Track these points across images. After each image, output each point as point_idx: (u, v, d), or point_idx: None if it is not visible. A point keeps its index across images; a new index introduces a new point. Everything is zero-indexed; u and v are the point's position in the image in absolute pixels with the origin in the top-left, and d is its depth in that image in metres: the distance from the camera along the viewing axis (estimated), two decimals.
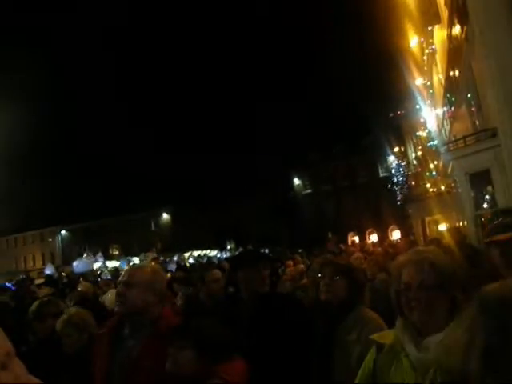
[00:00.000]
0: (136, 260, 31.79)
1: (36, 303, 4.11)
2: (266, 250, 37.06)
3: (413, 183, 26.54)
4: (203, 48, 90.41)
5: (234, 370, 2.27)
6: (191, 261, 32.03)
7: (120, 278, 2.70)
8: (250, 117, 73.22)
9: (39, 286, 11.05)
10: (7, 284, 14.93)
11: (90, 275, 18.21)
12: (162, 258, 27.04)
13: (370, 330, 2.39)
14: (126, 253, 38.99)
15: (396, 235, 36.74)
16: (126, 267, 22.57)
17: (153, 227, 55.07)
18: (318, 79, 68.76)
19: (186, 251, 38.60)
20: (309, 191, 53.95)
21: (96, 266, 24.38)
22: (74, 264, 21.93)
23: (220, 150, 71.95)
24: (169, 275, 13.05)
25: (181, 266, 17.21)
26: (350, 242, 32.23)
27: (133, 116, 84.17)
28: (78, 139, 74.46)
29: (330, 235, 26.60)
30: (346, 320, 2.77)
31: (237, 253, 34.30)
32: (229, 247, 41.31)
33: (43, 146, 71.37)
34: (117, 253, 47.62)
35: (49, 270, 22.15)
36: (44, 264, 50.14)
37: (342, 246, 19.58)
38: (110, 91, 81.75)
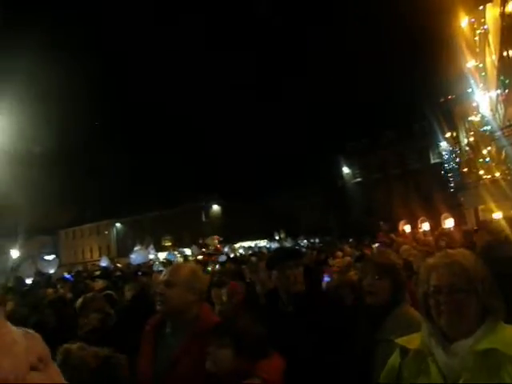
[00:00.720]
0: (188, 251, 32.39)
1: (80, 299, 4.31)
2: (316, 240, 36.99)
3: (465, 170, 25.72)
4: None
5: (271, 368, 2.30)
6: (241, 251, 32.33)
7: (161, 277, 2.79)
8: (298, 105, 72.85)
9: (93, 278, 11.49)
10: (66, 275, 15.62)
11: (145, 267, 18.69)
12: (212, 248, 27.43)
13: (414, 331, 2.36)
14: (177, 244, 39.75)
15: (449, 223, 35.72)
16: (174, 259, 23.10)
17: (203, 218, 55.83)
18: (366, 64, 67.47)
19: (236, 242, 39.00)
20: (358, 180, 53.20)
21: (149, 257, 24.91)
22: (132, 256, 22.53)
23: (269, 140, 72.03)
24: (217, 267, 13.32)
25: (231, 257, 17.41)
26: (400, 231, 31.57)
27: (180, 106, 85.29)
28: (130, 134, 76.11)
29: (382, 225, 26.16)
30: (388, 319, 2.73)
31: (286, 243, 34.41)
32: (278, 237, 41.34)
33: (97, 142, 73.57)
34: (169, 244, 48.67)
35: (104, 263, 22.83)
36: (100, 256, 51.92)
37: (392, 235, 19.24)
38: (147, 85, 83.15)
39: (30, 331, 1.43)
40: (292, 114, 79.15)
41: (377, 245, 14.02)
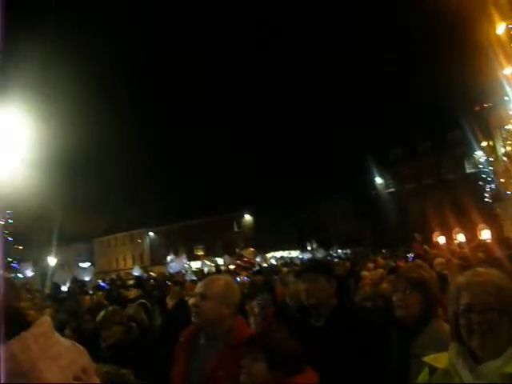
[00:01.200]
0: (220, 261, 32.56)
1: (101, 313, 4.45)
2: (348, 251, 36.70)
3: (502, 180, 25.12)
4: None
5: (306, 382, 2.29)
6: (273, 261, 32.27)
7: (196, 289, 2.85)
8: (331, 115, 72.62)
9: (127, 287, 11.69)
10: (101, 283, 15.95)
11: (177, 276, 18.89)
12: (246, 259, 27.45)
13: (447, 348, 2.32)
14: (209, 254, 39.98)
15: (486, 235, 34.85)
16: (205, 268, 23.25)
17: (235, 228, 56.02)
18: (399, 74, 66.82)
19: (268, 252, 38.97)
20: (392, 190, 52.59)
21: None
22: (172, 264, 22.89)
23: (302, 150, 71.97)
24: (245, 278, 13.34)
25: (260, 269, 17.42)
26: (434, 243, 30.98)
27: (211, 118, 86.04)
28: (160, 146, 77.15)
29: (416, 236, 25.74)
30: (422, 335, 2.69)
31: (317, 254, 34.22)
32: (310, 248, 41.15)
33: (130, 153, 74.93)
34: (201, 253, 49.00)
35: (136, 272, 23.20)
36: (134, 264, 52.68)
37: (426, 247, 18.93)
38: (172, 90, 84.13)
39: (77, 344, 1.50)
40: (325, 124, 78.99)
41: (411, 257, 13.84)
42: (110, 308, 4.81)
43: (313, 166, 65.84)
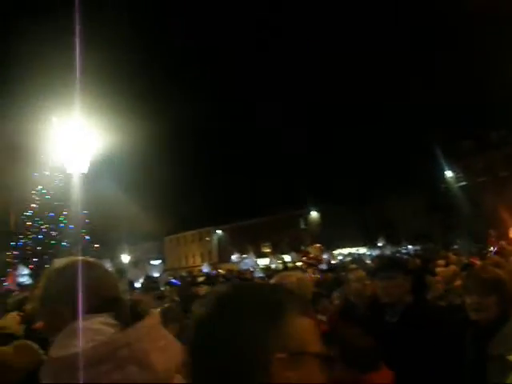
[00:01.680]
0: (287, 258, 32.65)
1: (157, 310, 4.60)
2: (417, 248, 35.70)
3: None
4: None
5: (381, 381, 2.27)
6: (340, 258, 31.95)
7: None
8: (396, 108, 70.84)
9: (197, 284, 12.01)
10: (173, 280, 16.45)
11: (246, 273, 19.20)
12: (312, 255, 27.42)
13: None
14: (276, 251, 40.17)
15: None
16: (273, 265, 23.47)
17: (302, 225, 55.97)
18: (468, 62, 64.11)
19: (335, 249, 38.64)
20: (463, 183, 50.60)
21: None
22: (246, 261, 23.37)
23: (367, 145, 70.69)
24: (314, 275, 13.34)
25: (329, 266, 17.35)
26: (510, 238, 29.58)
27: (285, 114, 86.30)
28: (230, 141, 78.16)
29: (491, 232, 24.70)
30: (500, 334, 2.62)
31: (386, 250, 33.53)
32: (379, 244, 40.33)
33: (198, 152, 76.63)
34: (268, 251, 49.32)
35: (206, 269, 23.74)
36: (202, 261, 53.79)
37: (503, 242, 18.14)
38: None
39: (176, 339, 1.59)
40: (391, 117, 77.15)
41: (493, 251, 13.38)
42: (167, 305, 4.97)
43: (379, 161, 64.36)
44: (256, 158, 74.10)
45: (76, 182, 6.62)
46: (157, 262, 35.68)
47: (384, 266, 3.45)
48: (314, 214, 55.61)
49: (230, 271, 26.80)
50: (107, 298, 1.61)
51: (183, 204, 58.30)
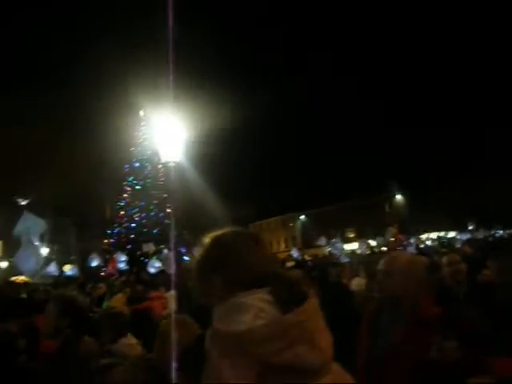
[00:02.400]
0: (372, 243, 32.15)
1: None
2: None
3: None
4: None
5: (502, 366, 2.18)
6: (429, 243, 30.98)
7: (379, 266, 2.89)
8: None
9: (287, 269, 12.14)
10: None
11: (332, 258, 19.16)
12: (399, 238, 26.85)
13: None
14: (361, 236, 39.68)
15: None
16: (359, 250, 23.27)
17: (387, 209, 54.69)
18: None
19: (423, 233, 37.54)
20: None
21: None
22: (337, 245, 23.44)
23: (453, 126, 67.69)
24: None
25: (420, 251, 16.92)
26: None
27: (363, 89, 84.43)
28: (307, 128, 77.74)
29: None
30: None
31: (477, 234, 32.04)
32: (470, 228, 38.68)
33: (283, 139, 77.02)
34: (352, 236, 48.74)
35: (295, 254, 23.99)
36: (287, 247, 54.18)
37: None
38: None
39: None
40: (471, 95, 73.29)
41: None
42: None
43: (465, 141, 61.44)
44: (337, 143, 73.26)
45: (169, 171, 6.87)
46: None
47: (497, 246, 3.35)
48: (399, 198, 54.06)
49: (315, 256, 26.88)
50: (263, 273, 1.62)
51: (267, 191, 58.96)
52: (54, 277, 14.35)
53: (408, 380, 2.49)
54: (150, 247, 21.74)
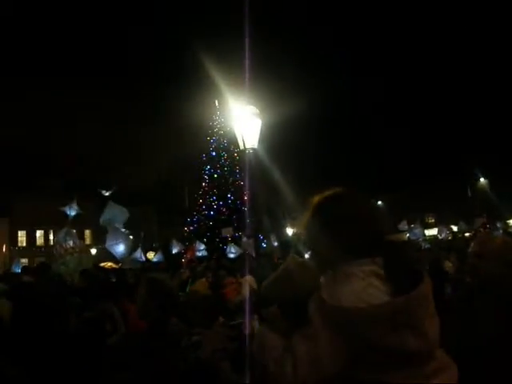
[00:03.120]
0: (454, 228, 30.88)
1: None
2: None
3: None
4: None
5: None
6: None
7: (471, 249, 2.77)
8: None
9: None
10: None
11: (409, 245, 18.65)
12: (488, 226, 25.67)
13: None
14: (441, 221, 38.27)
15: None
16: (441, 235, 22.46)
17: (469, 193, 52.30)
18: None
19: (509, 218, 35.56)
20: None
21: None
22: (415, 231, 22.94)
23: None
24: None
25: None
26: None
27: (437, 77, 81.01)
28: (381, 112, 75.77)
29: None
30: None
31: None
32: None
33: (347, 122, 75.67)
34: (432, 221, 47.05)
35: None
36: None
37: None
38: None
39: None
40: None
41: None
42: None
43: None
44: (417, 127, 70.86)
45: (246, 158, 6.97)
46: None
47: None
48: (482, 181, 51.44)
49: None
50: (378, 240, 1.53)
51: (340, 176, 58.19)
52: (141, 262, 15.00)
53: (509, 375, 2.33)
54: (228, 231, 22.13)
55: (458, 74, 72.50)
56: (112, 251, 11.49)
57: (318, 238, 1.60)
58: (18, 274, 10.67)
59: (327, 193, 1.66)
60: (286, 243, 19.29)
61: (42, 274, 7.48)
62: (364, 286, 1.40)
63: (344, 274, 1.46)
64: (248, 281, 6.49)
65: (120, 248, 11.37)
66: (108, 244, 11.68)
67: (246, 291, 5.74)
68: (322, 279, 1.56)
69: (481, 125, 61.30)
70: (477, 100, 72.33)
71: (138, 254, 15.32)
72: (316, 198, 1.67)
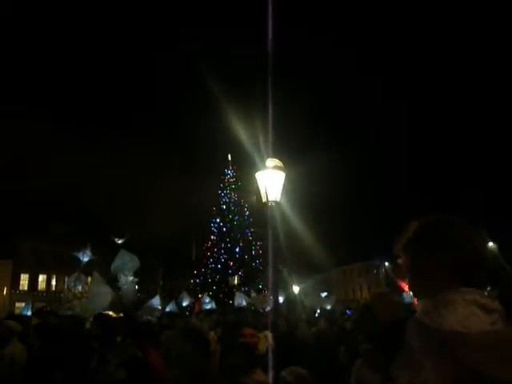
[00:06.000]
0: None
1: None
2: None
3: None
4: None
5: None
6: None
7: None
8: None
9: None
10: (348, 311, 16.41)
11: None
12: None
13: None
14: None
15: None
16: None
17: None
18: None
19: None
20: None
21: None
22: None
23: None
24: None
25: None
26: None
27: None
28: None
29: None
30: None
31: None
32: None
33: (360, 183, 76.07)
34: None
35: None
36: (369, 294, 52.25)
37: None
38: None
39: None
40: None
41: None
42: None
43: None
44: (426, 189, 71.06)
45: (269, 211, 7.00)
46: (324, 294, 35.82)
47: None
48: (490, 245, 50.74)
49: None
50: (486, 269, 1.49)
51: (350, 236, 58.02)
52: (158, 310, 14.81)
53: None
54: (235, 280, 21.92)
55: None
56: (91, 302, 10.45)
57: (422, 262, 1.55)
58: (28, 316, 10.57)
59: (430, 217, 1.61)
60: (292, 301, 19.13)
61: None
62: (467, 315, 1.36)
63: (446, 301, 1.41)
64: (267, 336, 6.38)
65: (102, 299, 10.36)
66: (91, 293, 10.74)
67: (263, 348, 5.63)
68: (418, 306, 1.48)
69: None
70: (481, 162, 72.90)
71: (157, 301, 15.14)
72: (417, 223, 1.61)
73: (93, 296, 10.23)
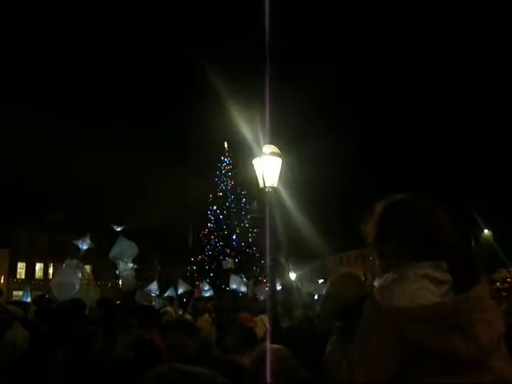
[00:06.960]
0: None
1: None
2: None
3: None
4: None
5: None
6: None
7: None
8: None
9: None
10: None
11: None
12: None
13: None
14: None
15: None
16: None
17: (472, 244, 51.74)
18: None
19: None
20: None
21: None
22: None
23: None
24: None
25: None
26: None
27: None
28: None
29: None
30: None
31: None
32: None
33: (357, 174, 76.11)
34: None
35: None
36: (366, 281, 52.52)
37: None
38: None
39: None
40: None
41: None
42: None
43: None
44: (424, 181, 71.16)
45: (267, 197, 7.08)
46: (320, 281, 35.99)
47: None
48: (487, 233, 50.66)
49: None
50: (440, 243, 1.54)
51: (346, 223, 58.06)
52: (155, 296, 14.94)
53: None
54: (229, 263, 21.96)
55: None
56: (55, 290, 9.92)
57: (383, 242, 1.64)
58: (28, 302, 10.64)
59: (394, 197, 1.69)
60: (288, 288, 19.23)
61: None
62: (416, 289, 1.41)
63: (399, 276, 1.47)
64: (263, 320, 6.48)
65: (67, 288, 9.91)
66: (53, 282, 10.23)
67: (261, 331, 5.73)
68: (378, 282, 1.56)
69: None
70: (479, 154, 72.99)
71: (154, 286, 15.19)
72: (383, 203, 1.70)
73: (55, 285, 9.73)
